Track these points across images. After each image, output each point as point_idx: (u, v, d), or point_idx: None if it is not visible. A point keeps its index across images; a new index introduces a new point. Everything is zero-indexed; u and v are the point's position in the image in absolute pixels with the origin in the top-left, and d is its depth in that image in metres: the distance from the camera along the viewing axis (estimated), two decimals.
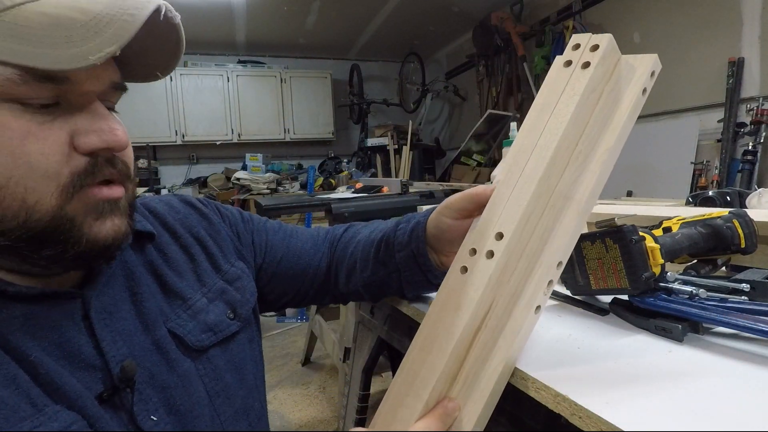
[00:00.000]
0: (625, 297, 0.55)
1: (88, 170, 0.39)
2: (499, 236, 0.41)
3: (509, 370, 0.41)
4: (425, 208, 0.64)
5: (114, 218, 0.41)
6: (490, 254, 0.40)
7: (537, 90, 3.67)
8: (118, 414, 0.40)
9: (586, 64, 0.43)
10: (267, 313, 3.30)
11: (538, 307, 0.41)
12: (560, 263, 0.42)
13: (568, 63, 0.44)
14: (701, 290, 0.50)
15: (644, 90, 0.45)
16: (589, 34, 0.44)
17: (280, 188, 4.37)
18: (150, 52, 0.43)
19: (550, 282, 0.41)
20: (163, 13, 0.39)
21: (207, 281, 0.54)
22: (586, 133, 0.43)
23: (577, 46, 0.44)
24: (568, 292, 0.61)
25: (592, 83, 0.43)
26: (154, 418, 0.42)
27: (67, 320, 0.41)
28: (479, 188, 0.50)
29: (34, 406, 0.35)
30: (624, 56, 0.47)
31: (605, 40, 0.43)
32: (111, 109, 0.43)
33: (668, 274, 0.54)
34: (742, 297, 0.51)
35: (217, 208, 0.64)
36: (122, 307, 0.45)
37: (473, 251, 0.42)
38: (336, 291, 0.67)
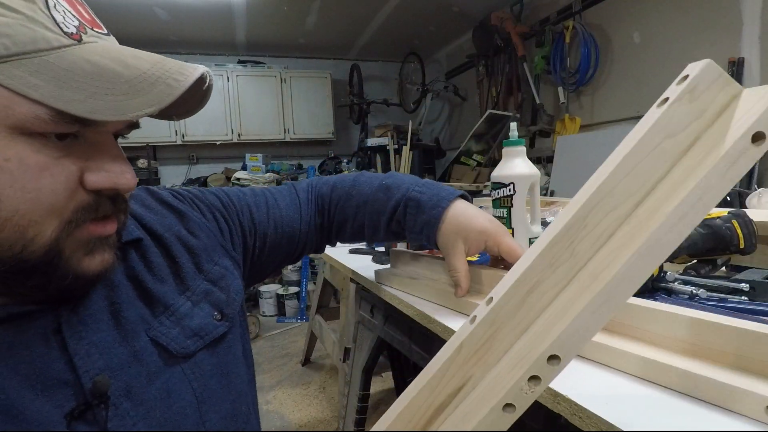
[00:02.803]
0: None
1: (91, 206, 0.39)
2: (489, 300, 0.32)
3: None
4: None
5: (104, 253, 0.41)
6: (473, 319, 0.32)
7: (537, 90, 3.67)
8: (91, 430, 0.39)
9: (664, 101, 0.31)
10: (267, 313, 3.28)
11: (510, 406, 0.30)
12: (554, 358, 0.30)
13: (663, 101, 0.31)
14: (701, 290, 0.51)
15: (757, 135, 0.27)
16: (702, 62, 0.31)
17: None
18: (176, 104, 0.43)
19: (535, 378, 0.30)
20: (207, 81, 0.40)
21: (190, 284, 0.52)
22: (657, 191, 0.30)
23: (684, 79, 0.31)
24: None
25: (665, 124, 0.31)
26: None
27: (37, 337, 0.40)
28: (518, 251, 0.59)
29: None
30: (749, 90, 0.30)
31: (698, 67, 0.31)
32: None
33: (668, 274, 0.54)
34: (742, 297, 0.51)
35: (194, 202, 0.61)
36: (100, 317, 0.44)
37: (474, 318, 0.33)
38: (329, 243, 0.75)
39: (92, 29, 0.38)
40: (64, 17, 0.36)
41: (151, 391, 0.44)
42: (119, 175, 0.39)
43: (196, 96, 0.43)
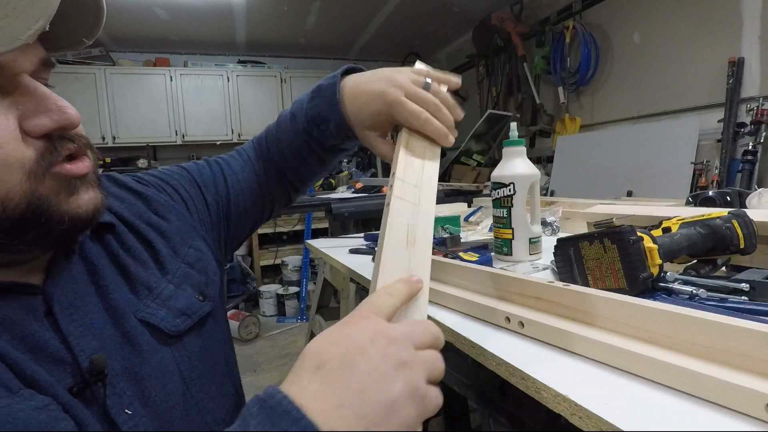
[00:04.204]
0: None
1: (49, 149, 0.38)
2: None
3: None
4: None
5: (89, 191, 0.41)
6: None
7: (537, 90, 3.67)
8: (90, 408, 0.39)
9: None
10: (267, 313, 3.27)
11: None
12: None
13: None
14: (701, 290, 0.51)
15: None
16: None
17: None
18: (72, 19, 0.41)
19: None
20: None
21: (170, 267, 0.53)
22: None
23: None
24: None
25: None
26: (129, 412, 0.41)
27: (28, 316, 0.40)
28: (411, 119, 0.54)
29: (8, 389, 0.35)
30: None
31: None
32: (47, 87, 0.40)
33: (668, 274, 0.54)
34: (742, 297, 0.51)
35: (159, 185, 0.61)
36: (89, 300, 0.44)
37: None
38: (290, 187, 0.73)
39: None
40: None
41: (146, 370, 0.44)
42: (58, 112, 0.38)
43: (89, 9, 0.40)
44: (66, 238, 0.42)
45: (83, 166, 0.41)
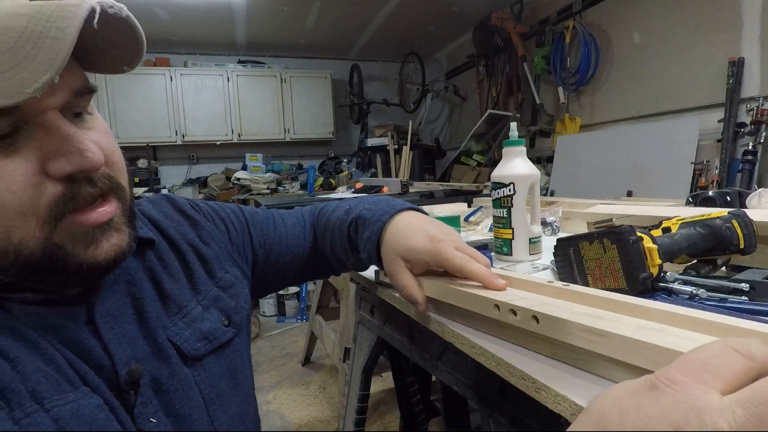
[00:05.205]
0: None
1: (66, 196, 0.36)
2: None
3: None
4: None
5: (110, 239, 0.40)
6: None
7: (537, 90, 3.67)
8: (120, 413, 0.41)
9: None
10: (267, 313, 3.28)
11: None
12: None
13: None
14: (701, 290, 0.51)
15: None
16: None
17: (280, 188, 4.38)
18: (112, 45, 0.39)
19: None
20: (98, 15, 0.34)
21: (201, 288, 0.54)
22: None
23: None
24: None
25: None
26: (153, 420, 0.43)
27: (73, 323, 0.41)
28: (456, 261, 0.53)
29: (71, 384, 0.37)
30: None
31: None
32: (80, 114, 0.39)
33: (668, 274, 0.54)
34: (742, 297, 0.51)
35: (209, 214, 0.62)
36: (125, 311, 0.45)
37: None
38: (329, 270, 0.75)
39: None
40: None
41: (172, 383, 0.46)
42: (77, 156, 0.36)
43: (127, 39, 0.38)
44: (87, 282, 0.42)
45: (104, 213, 0.39)
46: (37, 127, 0.35)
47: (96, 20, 0.33)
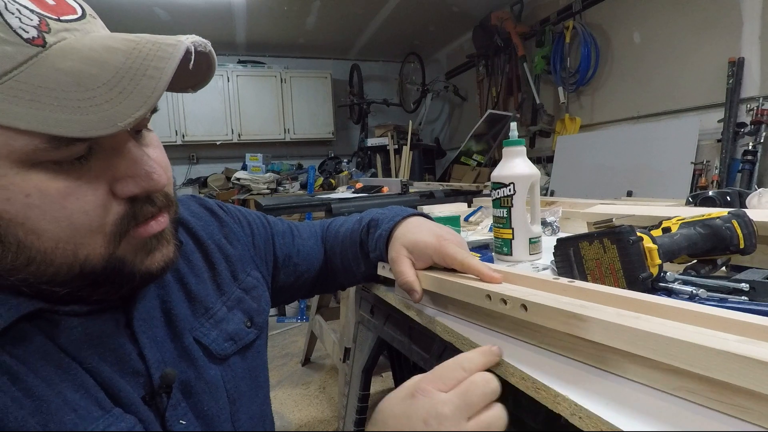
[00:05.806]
0: None
1: (129, 215, 0.39)
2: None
3: None
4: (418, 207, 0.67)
5: (162, 248, 0.42)
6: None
7: (537, 90, 3.67)
8: (151, 415, 0.42)
9: None
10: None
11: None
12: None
13: None
14: (701, 290, 0.50)
15: None
16: None
17: (280, 188, 4.38)
18: (188, 73, 0.40)
19: None
20: (193, 56, 0.36)
21: (226, 290, 0.55)
22: None
23: None
24: None
25: None
26: (183, 422, 0.44)
27: (116, 329, 0.42)
28: (459, 258, 0.56)
29: (102, 408, 0.38)
30: None
31: None
32: (140, 131, 0.42)
33: (668, 274, 0.54)
34: (742, 297, 0.51)
35: (237, 216, 0.64)
36: (154, 314, 0.46)
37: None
38: (336, 283, 0.77)
39: (55, 19, 0.34)
40: (20, 18, 0.32)
41: (200, 385, 0.47)
42: (145, 179, 0.38)
43: (200, 68, 0.40)
44: (135, 290, 0.44)
45: (159, 223, 0.41)
46: (108, 149, 0.37)
47: (192, 60, 0.36)
